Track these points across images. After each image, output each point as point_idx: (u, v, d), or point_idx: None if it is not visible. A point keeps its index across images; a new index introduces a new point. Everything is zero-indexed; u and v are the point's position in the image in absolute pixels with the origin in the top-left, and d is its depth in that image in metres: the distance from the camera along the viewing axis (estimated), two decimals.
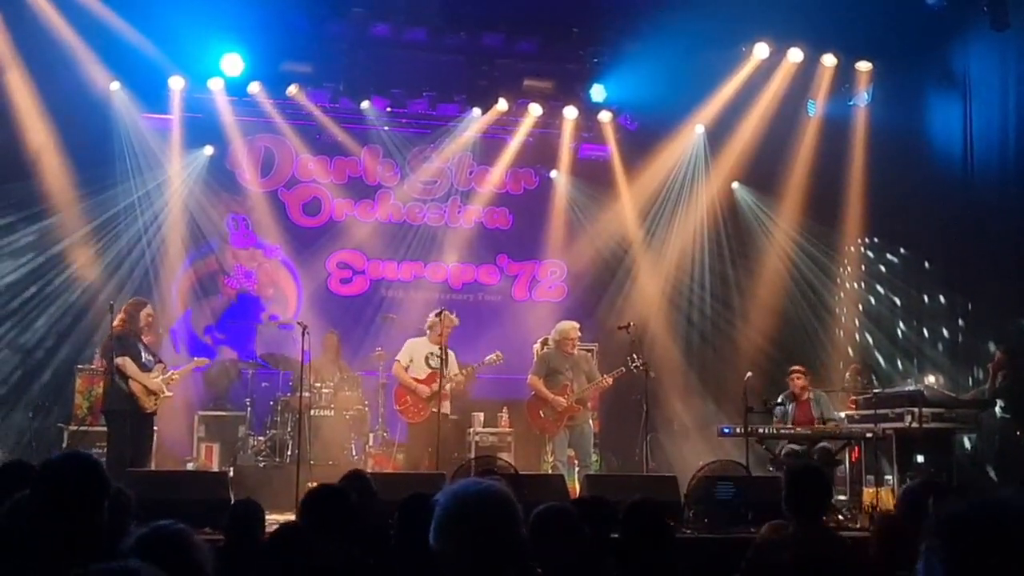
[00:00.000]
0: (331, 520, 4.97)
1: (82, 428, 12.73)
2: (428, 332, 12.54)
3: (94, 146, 14.28)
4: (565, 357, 12.38)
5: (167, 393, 11.16)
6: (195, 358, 12.55)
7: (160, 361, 11.28)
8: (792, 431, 11.83)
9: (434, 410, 12.06)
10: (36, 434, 13.09)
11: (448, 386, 12.19)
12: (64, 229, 14.26)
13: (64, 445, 12.52)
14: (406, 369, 12.52)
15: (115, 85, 14.15)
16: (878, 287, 15.75)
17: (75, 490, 3.89)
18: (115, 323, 10.88)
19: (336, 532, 4.80)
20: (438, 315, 12.37)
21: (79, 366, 13.45)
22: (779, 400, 12.29)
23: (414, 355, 12.57)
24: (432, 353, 12.42)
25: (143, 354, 10.98)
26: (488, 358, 12.78)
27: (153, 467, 11.27)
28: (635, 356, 12.18)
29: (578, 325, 12.64)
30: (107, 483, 4.03)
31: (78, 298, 14.25)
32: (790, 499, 5.58)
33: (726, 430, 11.70)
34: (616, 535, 5.31)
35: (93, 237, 14.42)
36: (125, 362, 10.71)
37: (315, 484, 5.74)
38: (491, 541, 2.97)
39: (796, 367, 12.67)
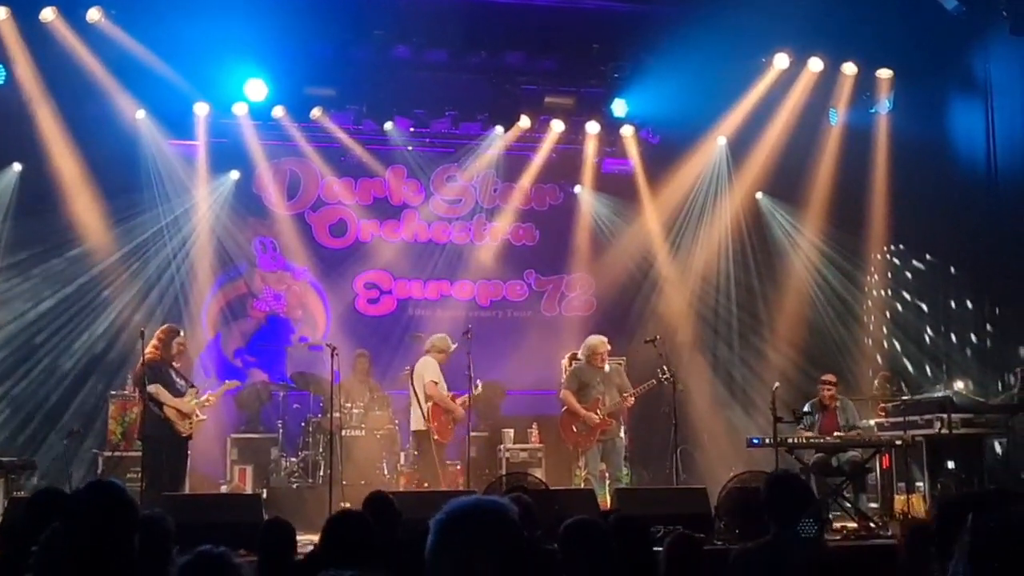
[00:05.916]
0: (351, 546, 5.03)
1: (116, 454, 12.84)
2: (437, 354, 12.86)
3: (122, 174, 14.41)
4: (596, 371, 12.46)
5: (201, 416, 11.34)
6: (226, 381, 12.65)
7: (192, 385, 11.47)
8: (821, 440, 11.80)
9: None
10: (71, 460, 13.23)
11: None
12: (94, 257, 14.41)
13: (99, 471, 12.67)
14: (436, 384, 12.68)
15: (141, 113, 14.24)
16: (905, 294, 15.71)
17: (104, 521, 3.98)
18: (147, 350, 11.04)
19: (357, 557, 4.84)
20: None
21: (112, 392, 13.55)
22: (806, 409, 12.24)
23: (438, 376, 12.76)
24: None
25: (175, 380, 11.18)
26: (474, 392, 12.60)
27: (187, 490, 11.40)
28: (664, 368, 12.26)
29: (606, 339, 12.71)
30: (135, 512, 4.10)
31: (109, 325, 14.38)
32: (768, 505, 5.66)
33: (755, 441, 11.67)
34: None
35: (123, 264, 14.56)
36: (158, 389, 10.91)
37: (346, 506, 5.84)
38: (485, 561, 2.70)
39: (827, 378, 12.61)
